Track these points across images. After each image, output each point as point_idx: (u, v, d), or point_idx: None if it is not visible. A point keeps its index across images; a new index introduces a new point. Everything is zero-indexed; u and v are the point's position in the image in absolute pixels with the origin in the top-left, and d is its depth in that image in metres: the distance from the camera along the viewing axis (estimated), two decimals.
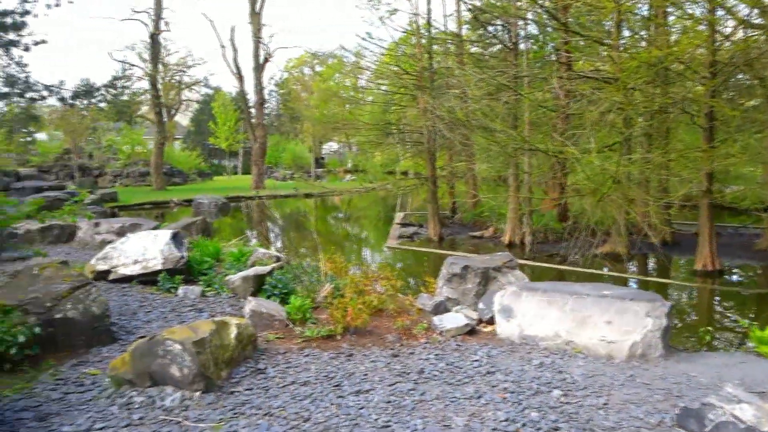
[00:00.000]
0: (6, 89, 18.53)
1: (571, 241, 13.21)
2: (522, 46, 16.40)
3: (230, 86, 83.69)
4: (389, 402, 3.94)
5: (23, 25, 17.60)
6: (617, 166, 10.45)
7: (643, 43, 13.52)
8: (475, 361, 4.82)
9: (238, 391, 4.11)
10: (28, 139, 26.69)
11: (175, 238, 7.90)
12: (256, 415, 3.72)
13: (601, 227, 12.90)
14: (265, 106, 37.89)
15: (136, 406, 3.83)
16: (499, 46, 18.51)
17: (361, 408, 3.83)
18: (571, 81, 12.94)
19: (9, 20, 17.17)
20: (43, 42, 18.45)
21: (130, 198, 26.70)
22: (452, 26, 20.17)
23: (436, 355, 4.97)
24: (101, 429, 3.51)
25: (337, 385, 4.23)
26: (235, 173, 52.84)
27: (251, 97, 35.19)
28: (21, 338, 4.40)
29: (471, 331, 5.67)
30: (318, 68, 53.73)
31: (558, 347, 5.24)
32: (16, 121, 22.20)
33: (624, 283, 11.65)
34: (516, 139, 12.76)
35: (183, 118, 59.79)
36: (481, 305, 6.18)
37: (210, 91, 54.42)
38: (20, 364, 4.47)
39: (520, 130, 14.12)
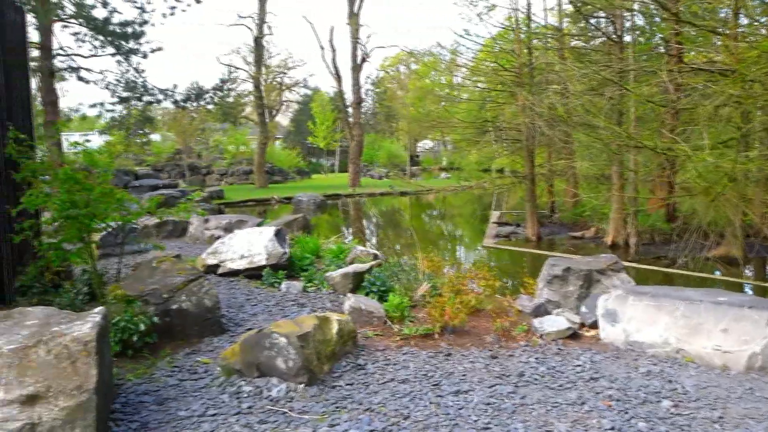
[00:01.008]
0: (126, 94, 19.98)
1: (680, 243, 12.50)
2: (627, 38, 15.69)
3: (328, 86, 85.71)
4: (489, 404, 3.91)
5: (142, 34, 18.94)
6: (733, 164, 9.77)
7: (764, 31, 12.56)
8: (578, 366, 4.68)
9: (339, 385, 4.22)
10: (144, 140, 28.67)
11: (278, 235, 8.22)
12: (357, 410, 3.81)
13: (714, 228, 12.12)
14: (362, 105, 38.49)
15: (245, 396, 4.02)
16: (601, 39, 17.81)
17: (461, 408, 3.83)
18: (681, 74, 12.22)
19: (129, 30, 18.53)
20: (160, 49, 19.77)
21: (235, 195, 28.02)
22: (551, 20, 19.66)
23: (537, 358, 4.87)
24: (214, 416, 3.72)
25: (435, 384, 4.24)
26: (332, 171, 54.07)
27: (348, 96, 35.95)
28: (142, 327, 4.74)
29: (573, 335, 5.51)
30: (414, 66, 53.95)
31: (667, 355, 4.99)
32: (133, 123, 23.85)
33: (739, 288, 10.89)
34: (621, 136, 12.22)
35: (283, 118, 61.92)
36: (583, 309, 5.99)
37: (309, 92, 56.02)
38: (141, 351, 4.80)
39: (626, 126, 13.52)
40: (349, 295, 6.40)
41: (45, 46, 17.51)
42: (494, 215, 21.10)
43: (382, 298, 6.41)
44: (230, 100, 29.34)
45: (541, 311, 6.13)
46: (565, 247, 15.24)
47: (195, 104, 23.89)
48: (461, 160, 29.06)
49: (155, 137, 39.65)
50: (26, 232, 5.45)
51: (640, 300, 5.31)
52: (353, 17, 33.55)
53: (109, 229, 6.29)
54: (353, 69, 34.41)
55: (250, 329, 5.22)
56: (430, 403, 3.92)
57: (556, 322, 5.63)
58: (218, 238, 10.34)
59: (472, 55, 20.77)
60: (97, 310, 3.79)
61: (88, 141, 6.11)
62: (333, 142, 52.68)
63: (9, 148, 5.61)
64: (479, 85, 21.80)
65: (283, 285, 7.29)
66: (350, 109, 36.12)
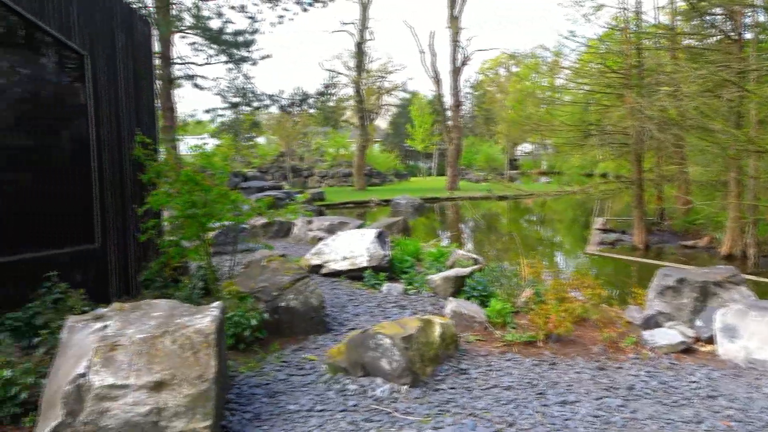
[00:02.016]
0: (236, 99, 21.05)
1: None
2: (747, 36, 14.64)
3: (427, 90, 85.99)
4: (597, 416, 3.79)
5: (252, 42, 19.89)
6: None
7: None
8: (693, 382, 4.45)
9: (442, 388, 4.24)
10: (251, 143, 30.05)
11: (380, 237, 8.35)
12: (460, 414, 3.81)
13: None
14: (461, 108, 38.33)
15: (350, 393, 4.13)
16: (717, 38, 16.73)
17: (567, 419, 3.74)
18: None
19: (241, 39, 19.50)
20: (268, 56, 20.69)
21: (335, 197, 28.71)
22: (662, 18, 18.72)
23: (647, 371, 4.66)
24: (321, 411, 3.85)
25: (540, 393, 4.17)
26: (430, 174, 54.15)
27: (447, 99, 35.93)
28: (254, 322, 4.98)
29: (686, 350, 5.23)
30: (514, 69, 53.10)
31: None
32: (242, 127, 25.04)
33: None
34: (740, 140, 11.46)
35: (382, 122, 62.65)
36: (698, 322, 5.68)
37: (408, 95, 56.38)
38: (251, 346, 5.05)
39: (746, 129, 12.64)
40: (451, 298, 6.41)
41: (165, 56, 18.73)
42: (597, 221, 20.34)
43: (483, 303, 6.37)
44: (332, 104, 30.17)
45: (651, 323, 5.87)
46: (675, 256, 14.45)
47: (299, 109, 24.71)
48: (563, 164, 28.24)
49: (260, 140, 41.35)
50: (150, 231, 5.87)
51: (763, 316, 4.96)
52: (453, 20, 33.49)
53: (222, 228, 6.65)
54: (452, 72, 34.35)
55: (352, 329, 5.36)
56: (536, 411, 3.86)
57: (668, 335, 5.37)
58: (320, 239, 10.65)
59: (576, 56, 20.14)
60: (215, 304, 4.02)
61: (205, 144, 6.51)
62: (431, 145, 52.80)
63: (137, 151, 6.07)
64: (584, 87, 21.11)
65: (384, 287, 7.40)
66: (449, 112, 36.07)
